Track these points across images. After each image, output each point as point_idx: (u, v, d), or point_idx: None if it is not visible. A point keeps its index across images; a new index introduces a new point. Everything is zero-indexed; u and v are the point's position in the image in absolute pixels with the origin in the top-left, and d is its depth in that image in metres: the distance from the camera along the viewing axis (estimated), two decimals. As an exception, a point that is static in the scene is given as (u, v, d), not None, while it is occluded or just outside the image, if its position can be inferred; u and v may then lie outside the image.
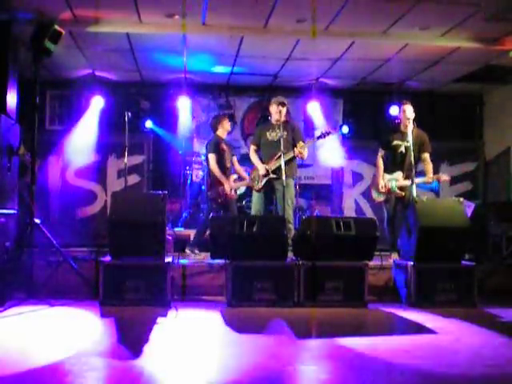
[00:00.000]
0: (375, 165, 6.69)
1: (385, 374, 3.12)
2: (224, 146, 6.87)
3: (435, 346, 3.73)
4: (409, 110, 6.29)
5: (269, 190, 6.40)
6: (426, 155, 6.36)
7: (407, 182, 6.23)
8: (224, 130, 6.96)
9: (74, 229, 8.58)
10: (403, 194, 6.27)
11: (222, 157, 6.81)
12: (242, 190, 8.72)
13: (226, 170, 6.82)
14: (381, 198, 6.50)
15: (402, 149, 6.27)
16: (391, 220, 6.39)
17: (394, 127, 6.54)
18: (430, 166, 6.34)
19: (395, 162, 6.36)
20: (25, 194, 5.89)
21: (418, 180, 6.21)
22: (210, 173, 6.87)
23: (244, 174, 7.00)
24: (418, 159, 6.34)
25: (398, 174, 6.33)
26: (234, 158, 7.09)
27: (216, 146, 6.80)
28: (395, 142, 6.35)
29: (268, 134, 6.45)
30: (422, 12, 6.36)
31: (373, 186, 6.69)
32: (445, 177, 6.41)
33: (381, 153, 6.57)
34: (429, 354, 3.51)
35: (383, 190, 6.39)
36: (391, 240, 6.33)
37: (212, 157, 6.77)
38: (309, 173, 9.57)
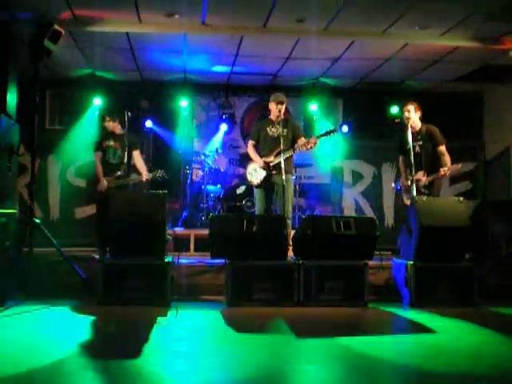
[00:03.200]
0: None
1: (385, 374, 3.12)
2: (109, 142, 6.91)
3: (435, 346, 3.73)
4: (409, 111, 6.34)
5: (269, 186, 6.37)
6: (442, 148, 6.33)
7: (429, 178, 6.23)
8: (108, 125, 6.97)
9: (73, 228, 8.59)
10: (427, 191, 6.24)
11: (105, 154, 6.89)
12: (241, 189, 8.74)
13: (110, 167, 6.85)
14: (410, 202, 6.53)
15: (418, 149, 6.27)
16: None
17: (402, 130, 6.52)
18: (447, 158, 6.29)
19: (415, 162, 6.29)
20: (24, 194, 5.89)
21: (431, 178, 6.23)
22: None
23: (143, 171, 6.91)
24: (435, 154, 6.34)
25: (420, 174, 6.30)
26: (135, 153, 6.95)
27: (97, 144, 7.00)
28: (409, 146, 6.33)
29: (269, 129, 6.38)
30: (421, 12, 6.35)
31: (404, 191, 6.60)
32: (456, 166, 6.32)
33: (400, 157, 6.66)
34: (429, 354, 3.52)
35: (407, 188, 6.38)
36: None
37: (94, 155, 6.97)
38: (309, 172, 9.57)
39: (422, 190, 6.26)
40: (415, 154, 6.26)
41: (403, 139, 6.41)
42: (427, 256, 5.28)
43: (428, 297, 5.21)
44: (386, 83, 9.23)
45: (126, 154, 6.82)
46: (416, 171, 6.27)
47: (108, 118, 6.97)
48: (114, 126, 6.95)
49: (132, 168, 6.94)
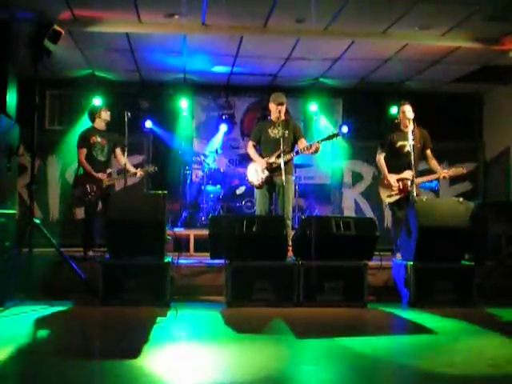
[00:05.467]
0: (378, 166, 6.74)
1: (384, 375, 3.12)
2: (96, 139, 6.61)
3: (435, 346, 3.73)
4: (408, 111, 6.36)
5: (270, 187, 6.37)
6: (429, 151, 6.44)
7: (420, 180, 6.30)
8: (101, 120, 6.68)
9: (73, 229, 8.58)
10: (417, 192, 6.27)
11: (91, 150, 6.58)
12: (241, 190, 8.74)
13: (98, 164, 6.58)
14: (392, 199, 6.49)
15: (408, 148, 6.22)
16: (400, 220, 6.34)
17: (394, 127, 6.55)
18: (435, 162, 6.41)
19: (402, 161, 6.35)
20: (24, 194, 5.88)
21: (427, 178, 6.34)
22: (78, 169, 6.66)
23: (129, 167, 6.65)
24: (423, 157, 6.45)
25: (408, 173, 6.29)
26: (118, 150, 6.71)
27: (82, 140, 6.61)
28: (400, 143, 6.37)
29: (270, 130, 6.39)
30: (422, 12, 6.36)
31: (382, 187, 6.60)
32: (460, 170, 6.39)
33: (381, 154, 6.58)
34: (429, 354, 3.52)
35: (396, 189, 6.39)
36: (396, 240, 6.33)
37: (79, 152, 6.59)
38: (309, 173, 9.56)
39: (410, 189, 6.28)
40: (406, 153, 6.28)
41: (394, 137, 6.45)
42: (427, 256, 5.28)
43: (428, 297, 5.21)
44: (385, 84, 9.24)
45: (111, 151, 6.69)
46: (403, 170, 6.31)
47: (106, 110, 6.74)
48: (107, 117, 6.67)
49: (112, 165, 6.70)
